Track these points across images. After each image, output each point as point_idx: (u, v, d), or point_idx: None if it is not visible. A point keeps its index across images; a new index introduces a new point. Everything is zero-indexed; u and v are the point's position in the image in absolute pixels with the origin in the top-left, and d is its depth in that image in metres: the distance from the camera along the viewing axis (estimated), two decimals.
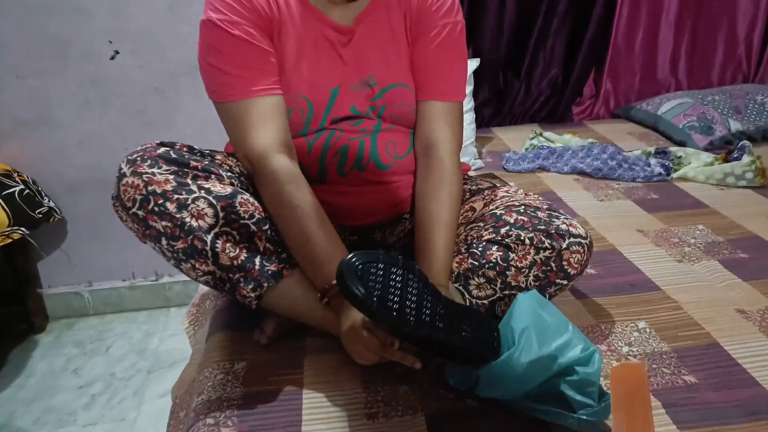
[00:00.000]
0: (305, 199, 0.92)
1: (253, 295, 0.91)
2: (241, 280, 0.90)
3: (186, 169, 0.89)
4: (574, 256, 0.95)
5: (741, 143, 1.73)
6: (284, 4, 0.98)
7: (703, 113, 1.97)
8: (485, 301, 0.97)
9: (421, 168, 1.05)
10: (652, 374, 0.92)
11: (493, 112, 2.25)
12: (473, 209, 1.05)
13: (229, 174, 0.94)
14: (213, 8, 0.94)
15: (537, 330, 0.80)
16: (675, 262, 1.25)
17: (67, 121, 1.85)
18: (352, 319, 0.84)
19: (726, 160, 1.70)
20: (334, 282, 0.82)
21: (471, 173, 1.69)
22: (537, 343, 0.79)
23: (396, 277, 0.77)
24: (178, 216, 0.86)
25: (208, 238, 0.87)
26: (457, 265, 0.97)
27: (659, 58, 2.28)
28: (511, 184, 1.56)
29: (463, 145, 1.78)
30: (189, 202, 0.86)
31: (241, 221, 0.89)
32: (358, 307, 0.77)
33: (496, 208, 1.01)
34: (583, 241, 0.96)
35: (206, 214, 0.87)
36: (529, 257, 0.95)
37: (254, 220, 0.91)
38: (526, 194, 1.06)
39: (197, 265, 0.89)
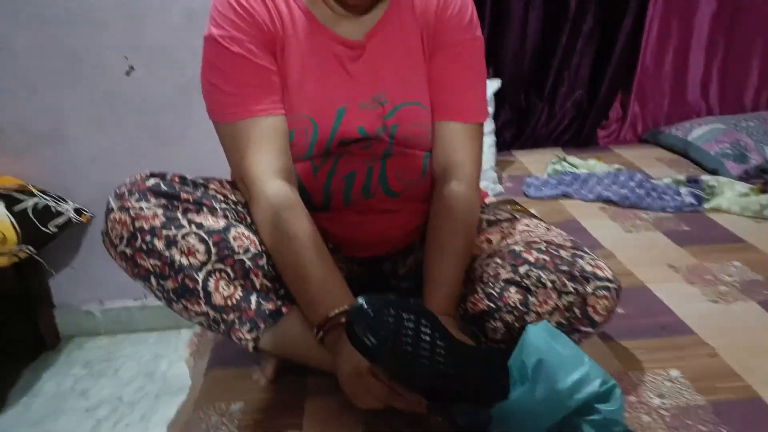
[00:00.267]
0: (302, 227, 0.87)
1: (249, 337, 0.86)
2: (236, 321, 0.85)
3: (176, 202, 0.84)
4: (600, 302, 0.86)
5: None
6: (289, 19, 0.92)
7: (736, 140, 1.88)
8: (502, 345, 0.90)
9: (436, 193, 0.99)
10: None
11: (514, 134, 2.19)
12: (489, 241, 0.98)
13: (223, 206, 0.89)
14: (215, 23, 0.90)
15: (551, 364, 0.74)
16: (709, 302, 1.17)
17: (81, 136, 1.83)
18: (355, 362, 0.78)
19: (763, 191, 1.60)
20: (331, 315, 0.80)
21: (490, 199, 1.63)
22: (552, 378, 0.73)
23: (408, 324, 0.72)
24: (166, 254, 0.81)
25: (200, 276, 0.82)
26: (472, 305, 0.91)
27: (689, 79, 2.20)
28: (532, 211, 1.50)
29: (482, 169, 1.74)
30: (178, 238, 0.82)
31: (236, 257, 0.84)
32: (369, 359, 0.72)
33: (515, 243, 0.93)
34: (610, 285, 0.87)
35: (197, 250, 0.82)
36: (551, 302, 0.86)
37: (250, 254, 0.86)
38: (548, 229, 0.98)
39: (189, 306, 0.85)
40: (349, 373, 0.79)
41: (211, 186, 0.92)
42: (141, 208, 0.82)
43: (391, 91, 0.95)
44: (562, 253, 0.89)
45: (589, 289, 0.86)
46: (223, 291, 0.84)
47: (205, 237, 0.83)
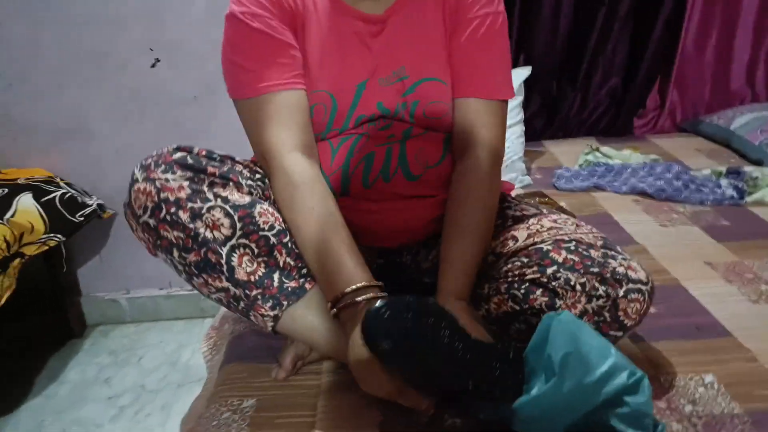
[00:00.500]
0: (321, 201, 0.85)
1: (271, 314, 0.84)
2: (259, 298, 0.84)
3: (202, 175, 0.83)
4: (632, 305, 0.82)
5: None
6: None
7: None
8: (525, 346, 0.86)
9: (455, 172, 0.95)
10: None
11: (545, 123, 2.12)
12: (515, 239, 0.92)
13: (249, 182, 0.88)
14: (236, 1, 0.90)
15: (578, 357, 0.71)
16: (749, 302, 1.10)
17: (105, 131, 1.86)
18: (369, 354, 0.74)
19: None
20: (347, 291, 0.78)
21: (517, 191, 1.58)
22: (580, 372, 0.70)
23: (426, 329, 0.70)
24: (191, 226, 0.80)
25: (224, 250, 0.81)
26: (495, 306, 0.88)
27: (734, 66, 2.09)
28: (561, 204, 1.44)
29: (510, 160, 1.69)
30: (204, 211, 0.81)
31: (260, 233, 0.83)
32: (385, 363, 0.71)
33: (543, 241, 0.88)
34: (643, 288, 0.82)
35: (222, 224, 0.81)
36: (580, 306, 0.82)
37: (274, 231, 0.84)
38: (577, 225, 0.92)
39: (210, 281, 0.83)
40: (359, 358, 0.75)
41: (238, 162, 0.91)
42: (167, 180, 0.81)
43: (412, 66, 0.93)
44: (593, 253, 0.84)
45: (620, 292, 0.81)
46: (247, 267, 0.83)
47: (231, 212, 0.82)
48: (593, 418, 0.71)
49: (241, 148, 0.96)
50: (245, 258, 0.83)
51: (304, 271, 0.86)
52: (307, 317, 0.85)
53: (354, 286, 0.78)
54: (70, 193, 1.76)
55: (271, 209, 0.86)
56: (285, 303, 0.84)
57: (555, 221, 0.93)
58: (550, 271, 0.84)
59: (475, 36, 0.94)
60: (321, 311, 0.85)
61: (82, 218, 1.77)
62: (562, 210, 1.33)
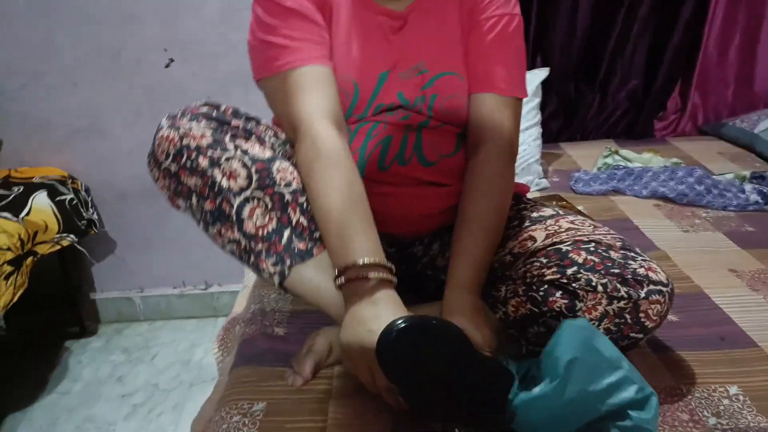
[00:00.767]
0: (345, 171, 0.83)
1: (272, 270, 0.83)
2: (263, 251, 0.83)
3: (226, 127, 0.85)
4: (653, 306, 0.81)
5: None
6: None
7: None
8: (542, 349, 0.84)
9: (468, 167, 0.96)
10: None
11: (562, 125, 2.08)
12: (533, 239, 0.91)
13: (272, 140, 0.89)
14: None
15: (587, 363, 0.70)
16: None
17: (119, 129, 1.86)
18: (370, 341, 0.72)
19: None
20: (360, 263, 0.76)
21: (533, 194, 1.55)
22: (585, 378, 0.69)
23: (439, 355, 0.71)
24: (209, 173, 0.81)
25: (236, 201, 0.81)
26: (513, 308, 0.86)
27: (758, 67, 2.04)
28: (579, 208, 1.41)
29: (526, 162, 1.66)
30: (222, 160, 0.81)
31: (276, 188, 0.83)
32: (388, 377, 0.72)
33: (562, 242, 0.87)
34: (664, 289, 0.81)
35: (239, 174, 0.82)
36: (600, 307, 0.81)
37: (291, 189, 0.84)
38: (594, 227, 0.91)
39: (223, 231, 0.84)
40: (362, 343, 0.73)
41: (264, 121, 0.92)
42: (190, 128, 0.82)
43: (430, 61, 0.95)
44: (613, 254, 0.84)
45: (641, 294, 0.80)
46: (257, 220, 0.82)
47: (249, 163, 0.82)
48: (595, 427, 0.70)
49: None
50: (257, 211, 0.83)
51: (317, 235, 0.84)
52: (314, 279, 0.84)
53: (368, 260, 0.76)
54: (75, 201, 1.76)
55: (290, 168, 0.85)
56: (288, 261, 0.83)
57: (572, 222, 0.93)
58: (570, 271, 0.83)
59: (490, 34, 0.96)
60: (330, 276, 0.82)
61: (83, 228, 1.78)
62: (580, 214, 1.30)
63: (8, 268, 1.45)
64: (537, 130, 1.75)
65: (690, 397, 0.86)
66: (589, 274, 0.82)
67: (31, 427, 1.64)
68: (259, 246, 0.83)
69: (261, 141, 0.87)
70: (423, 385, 0.72)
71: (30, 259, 1.55)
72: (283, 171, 0.84)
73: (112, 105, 1.83)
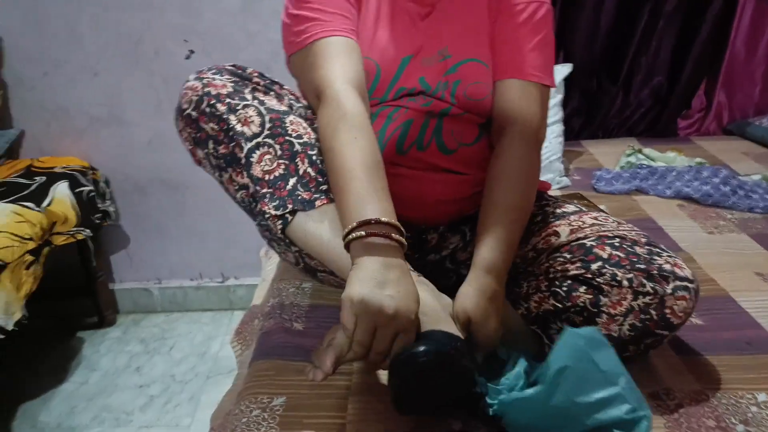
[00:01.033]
0: (367, 134, 0.81)
1: (273, 213, 0.82)
2: (267, 195, 0.83)
3: (247, 82, 0.89)
4: (678, 303, 0.80)
5: None
6: None
7: None
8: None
9: (493, 154, 0.95)
10: None
11: (584, 122, 2.05)
12: (556, 234, 0.90)
13: (292, 100, 0.92)
14: None
15: (577, 373, 0.69)
16: None
17: (138, 119, 1.87)
18: (389, 305, 0.70)
19: None
20: (382, 219, 0.73)
21: (555, 192, 1.53)
22: (574, 389, 0.68)
23: (444, 386, 0.74)
24: (225, 117, 0.85)
25: (247, 145, 0.84)
26: (536, 304, 0.86)
27: None
28: (601, 207, 1.39)
29: (548, 160, 1.64)
30: (239, 107, 0.85)
31: (287, 137, 0.84)
32: (392, 391, 0.75)
33: (585, 237, 0.87)
34: (690, 286, 0.81)
35: (252, 121, 0.85)
36: (625, 303, 0.80)
37: (302, 141, 0.85)
38: (618, 223, 0.91)
39: (234, 175, 0.87)
40: (370, 301, 0.69)
41: (287, 87, 0.95)
42: (213, 78, 0.87)
43: (456, 47, 0.95)
44: (638, 249, 0.83)
45: (668, 290, 0.80)
46: (265, 165, 0.84)
47: (264, 112, 0.85)
48: None
49: None
50: (266, 157, 0.84)
51: (324, 187, 0.83)
52: (317, 230, 0.82)
53: (386, 219, 0.73)
54: (92, 193, 1.77)
55: (305, 124, 0.87)
56: (290, 206, 0.82)
57: (596, 218, 0.92)
58: (594, 267, 0.82)
59: (518, 20, 0.95)
60: (334, 228, 0.81)
61: (98, 220, 1.79)
62: (601, 212, 1.29)
63: (29, 258, 1.46)
64: (559, 128, 1.73)
65: (716, 403, 0.84)
66: (614, 269, 0.81)
67: (49, 414, 1.66)
68: (264, 190, 0.84)
69: (279, 98, 0.90)
70: (417, 397, 0.75)
71: (46, 249, 1.56)
72: (296, 124, 0.86)
73: (131, 94, 1.83)
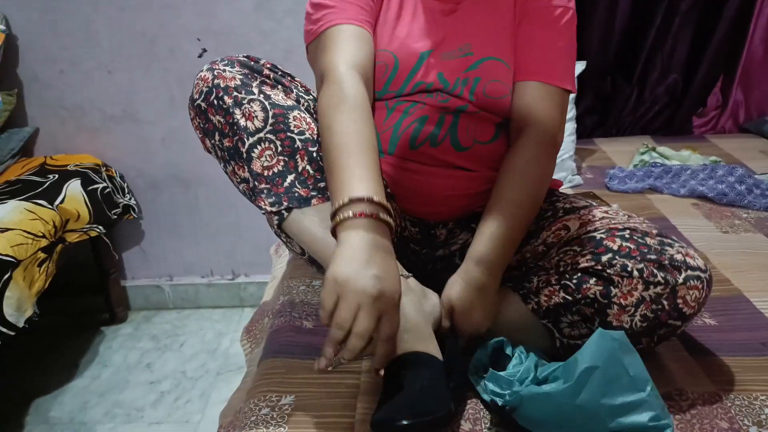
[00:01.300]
0: (365, 115, 0.82)
1: (269, 209, 0.84)
2: (264, 191, 0.85)
3: (257, 75, 0.89)
4: (691, 292, 0.80)
5: None
6: None
7: None
8: (579, 342, 0.84)
9: (507, 152, 0.95)
10: None
11: (598, 121, 2.03)
12: (567, 228, 0.91)
13: (301, 93, 0.92)
14: None
15: (606, 375, 0.68)
16: None
17: (152, 117, 1.87)
18: (373, 286, 0.68)
19: None
20: (368, 198, 0.72)
21: (567, 191, 1.51)
22: (602, 390, 0.68)
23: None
24: (231, 111, 0.85)
25: (249, 140, 0.85)
26: (546, 298, 0.85)
27: None
28: (613, 206, 1.37)
29: (560, 158, 1.62)
30: (245, 101, 0.85)
31: (288, 133, 0.85)
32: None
33: (596, 230, 0.87)
34: (702, 275, 0.81)
35: (256, 116, 0.85)
36: (636, 293, 0.80)
37: (303, 137, 0.86)
38: (629, 216, 0.91)
39: (236, 169, 0.88)
40: (355, 280, 0.67)
41: (298, 79, 0.95)
42: (224, 70, 0.87)
43: (477, 45, 0.95)
44: (648, 240, 0.83)
45: (679, 279, 0.80)
46: (265, 161, 0.85)
47: (268, 107, 0.85)
48: None
49: None
50: (267, 152, 0.85)
51: (321, 185, 0.84)
52: (312, 228, 0.84)
53: (377, 199, 0.72)
54: (108, 189, 1.78)
55: (308, 118, 0.87)
56: (285, 203, 0.83)
57: (606, 212, 0.92)
58: (605, 258, 0.82)
59: (544, 24, 0.95)
60: (326, 226, 0.80)
61: (115, 216, 1.80)
62: None
63: (42, 255, 1.48)
64: (572, 126, 1.71)
65: (730, 404, 0.83)
66: (624, 260, 0.81)
67: (62, 410, 1.68)
68: (262, 185, 0.85)
69: (287, 91, 0.90)
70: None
71: (59, 246, 1.57)
72: (300, 120, 0.86)
73: (145, 92, 1.84)
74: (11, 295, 1.35)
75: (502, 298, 0.89)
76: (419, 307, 0.82)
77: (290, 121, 0.86)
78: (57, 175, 1.70)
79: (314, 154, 0.85)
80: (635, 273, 0.80)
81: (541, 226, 0.94)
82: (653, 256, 0.81)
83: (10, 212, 1.49)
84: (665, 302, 0.80)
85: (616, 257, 0.81)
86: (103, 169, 1.83)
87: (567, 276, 0.84)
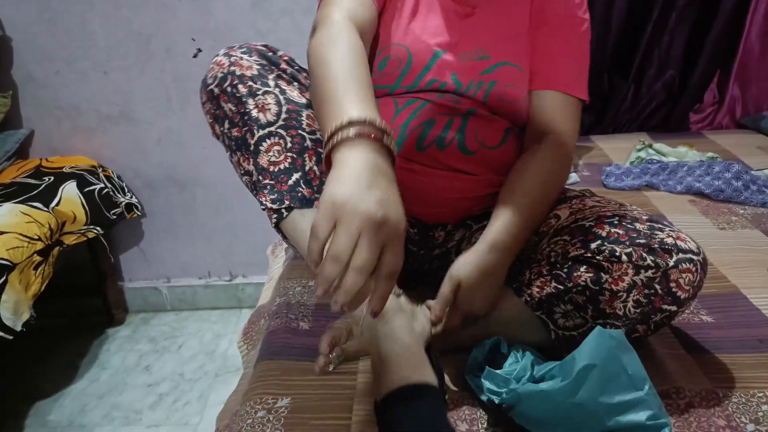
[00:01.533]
0: (358, 51, 0.75)
1: (269, 205, 0.83)
2: (267, 187, 0.84)
3: (273, 68, 0.88)
4: (684, 275, 0.79)
5: None
6: None
7: None
8: (574, 333, 0.84)
9: (521, 155, 0.96)
10: None
11: (594, 118, 2.03)
12: (557, 217, 0.91)
13: None
14: None
15: (605, 374, 0.68)
16: None
17: (148, 117, 1.87)
18: (377, 208, 0.59)
19: None
20: (346, 121, 0.64)
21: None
22: (600, 388, 0.68)
23: None
24: (244, 101, 0.84)
25: (259, 133, 0.84)
26: (538, 289, 0.85)
27: None
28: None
29: None
30: (259, 93, 0.85)
31: (300, 131, 0.84)
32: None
33: (585, 219, 0.86)
34: (695, 258, 0.80)
35: (269, 109, 0.84)
36: (627, 278, 0.79)
37: (314, 137, 0.85)
38: (621, 205, 0.90)
39: (241, 160, 0.87)
40: (358, 200, 0.58)
41: None
42: (241, 58, 0.86)
43: (493, 50, 0.95)
44: (638, 226, 0.82)
45: (670, 263, 0.78)
46: (272, 156, 0.84)
47: (282, 102, 0.85)
48: None
49: None
50: (275, 148, 0.84)
51: None
52: (308, 229, 0.77)
53: (380, 123, 0.65)
54: (106, 189, 1.78)
55: None
56: (287, 202, 0.83)
57: (598, 201, 0.92)
58: (593, 245, 0.81)
59: (556, 34, 0.96)
60: None
61: (114, 216, 1.79)
62: None
63: (38, 258, 1.47)
64: None
65: (727, 402, 0.83)
66: (613, 245, 0.80)
67: (61, 413, 1.67)
68: (266, 181, 0.84)
69: (302, 89, 0.89)
70: None
71: (56, 249, 1.57)
72: (313, 119, 0.86)
73: (142, 93, 1.83)
74: (7, 298, 1.35)
75: None
76: (411, 328, 0.80)
77: (303, 119, 0.85)
78: (52, 177, 1.70)
79: (323, 155, 0.83)
80: (624, 257, 0.79)
81: None
82: (642, 240, 0.80)
83: (5, 215, 1.49)
84: (658, 286, 0.79)
85: (605, 243, 0.81)
86: (100, 170, 1.83)
87: (558, 266, 0.84)
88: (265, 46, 0.91)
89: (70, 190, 1.67)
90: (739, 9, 1.88)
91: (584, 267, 0.82)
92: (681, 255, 0.79)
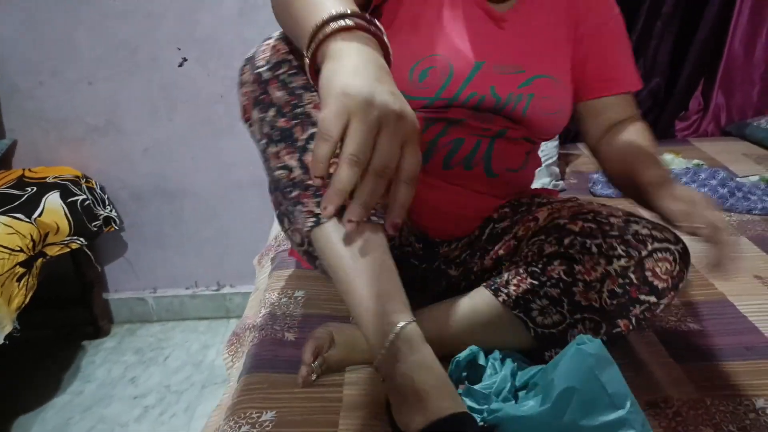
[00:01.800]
0: None
1: (311, 208, 0.75)
2: (312, 188, 0.75)
3: None
4: (660, 264, 0.78)
5: None
6: None
7: None
8: (554, 331, 0.83)
9: (605, 142, 1.00)
10: None
11: None
12: (536, 219, 0.92)
13: None
14: None
15: (584, 396, 0.67)
16: None
17: (134, 128, 1.85)
18: (375, 96, 0.54)
19: None
20: (334, 13, 0.59)
21: None
22: (581, 411, 0.66)
23: None
24: (299, 93, 0.76)
25: (311, 129, 0.75)
26: (515, 287, 0.85)
27: None
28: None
29: (543, 164, 1.62)
30: (316, 90, 0.75)
31: None
32: None
33: (561, 217, 0.87)
34: (672, 247, 0.79)
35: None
36: (600, 268, 0.79)
37: None
38: (603, 206, 0.90)
39: (282, 153, 0.77)
40: (350, 84, 0.53)
41: None
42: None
43: (529, 62, 0.94)
44: (613, 220, 0.82)
45: (644, 252, 0.78)
46: None
47: None
48: None
49: None
50: None
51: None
52: (341, 245, 0.73)
53: (375, 22, 0.61)
54: (88, 201, 1.76)
55: None
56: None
57: (578, 202, 0.93)
58: (567, 241, 0.82)
59: (610, 37, 0.99)
60: (357, 252, 0.74)
61: (96, 228, 1.77)
62: None
63: (20, 270, 1.45)
64: None
65: (714, 410, 0.82)
66: (584, 239, 0.81)
67: (44, 427, 1.64)
68: (311, 182, 0.76)
69: None
70: None
71: (40, 260, 1.55)
72: None
73: (128, 103, 1.82)
74: None
75: (474, 296, 0.88)
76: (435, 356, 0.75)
77: None
78: (35, 188, 1.67)
79: None
80: (594, 249, 0.80)
81: (515, 221, 0.95)
82: (615, 233, 0.80)
83: None
84: (632, 275, 0.78)
85: (577, 238, 0.82)
86: (83, 180, 1.81)
87: (533, 264, 0.85)
88: None
89: (53, 201, 1.65)
90: (723, 17, 1.90)
91: (558, 261, 0.83)
92: (657, 244, 0.79)
